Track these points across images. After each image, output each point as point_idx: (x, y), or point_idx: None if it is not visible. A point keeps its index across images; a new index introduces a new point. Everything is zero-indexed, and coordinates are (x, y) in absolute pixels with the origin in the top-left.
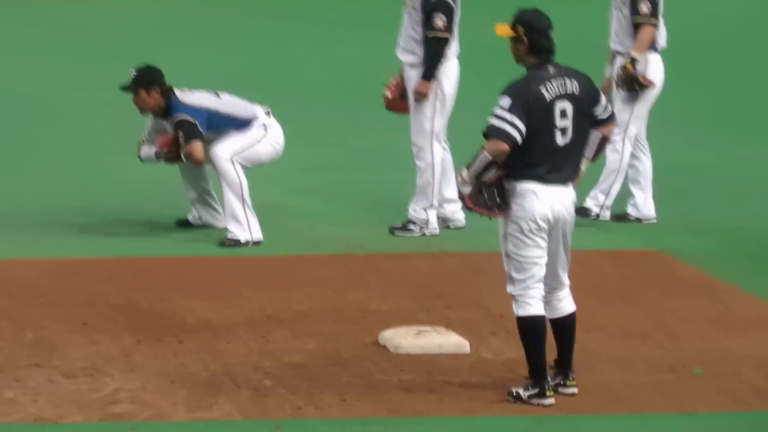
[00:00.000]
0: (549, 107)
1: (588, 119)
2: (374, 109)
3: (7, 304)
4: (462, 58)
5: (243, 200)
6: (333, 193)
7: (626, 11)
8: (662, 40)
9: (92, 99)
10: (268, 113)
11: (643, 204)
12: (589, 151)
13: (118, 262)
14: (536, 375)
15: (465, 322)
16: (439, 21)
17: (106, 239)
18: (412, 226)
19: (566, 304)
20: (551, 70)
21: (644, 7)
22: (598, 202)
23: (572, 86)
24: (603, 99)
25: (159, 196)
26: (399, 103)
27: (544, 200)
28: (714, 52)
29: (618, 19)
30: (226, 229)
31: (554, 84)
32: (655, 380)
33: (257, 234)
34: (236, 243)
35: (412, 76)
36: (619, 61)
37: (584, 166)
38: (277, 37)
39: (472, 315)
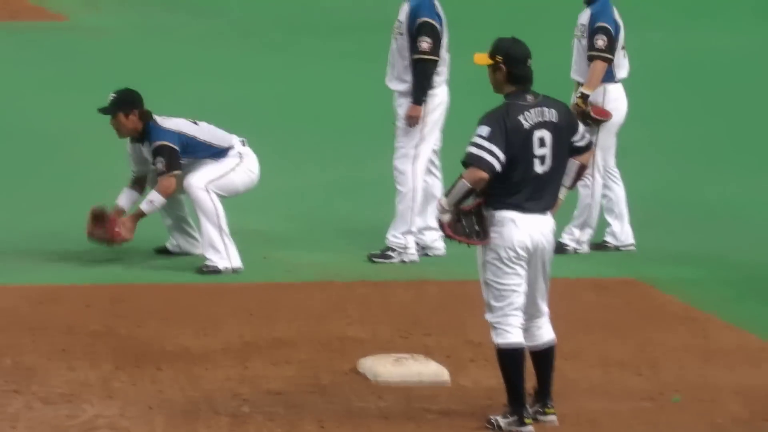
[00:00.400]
0: (527, 135)
1: (566, 147)
2: (356, 139)
3: None
4: (465, 84)
5: (220, 228)
6: (312, 221)
7: (584, 42)
8: (623, 71)
9: (86, 128)
10: (243, 142)
11: (620, 232)
12: (567, 179)
13: (97, 289)
14: (515, 403)
15: (444, 349)
16: (425, 43)
17: (85, 266)
18: (390, 253)
19: (545, 333)
20: (529, 98)
21: (600, 42)
22: (573, 236)
23: (550, 115)
24: (580, 127)
25: (139, 224)
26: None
27: (523, 228)
28: (693, 82)
29: (578, 50)
30: (204, 257)
31: (532, 112)
32: (634, 408)
33: (236, 262)
34: (215, 270)
35: (403, 104)
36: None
37: (562, 194)
38: (257, 70)
39: (451, 342)
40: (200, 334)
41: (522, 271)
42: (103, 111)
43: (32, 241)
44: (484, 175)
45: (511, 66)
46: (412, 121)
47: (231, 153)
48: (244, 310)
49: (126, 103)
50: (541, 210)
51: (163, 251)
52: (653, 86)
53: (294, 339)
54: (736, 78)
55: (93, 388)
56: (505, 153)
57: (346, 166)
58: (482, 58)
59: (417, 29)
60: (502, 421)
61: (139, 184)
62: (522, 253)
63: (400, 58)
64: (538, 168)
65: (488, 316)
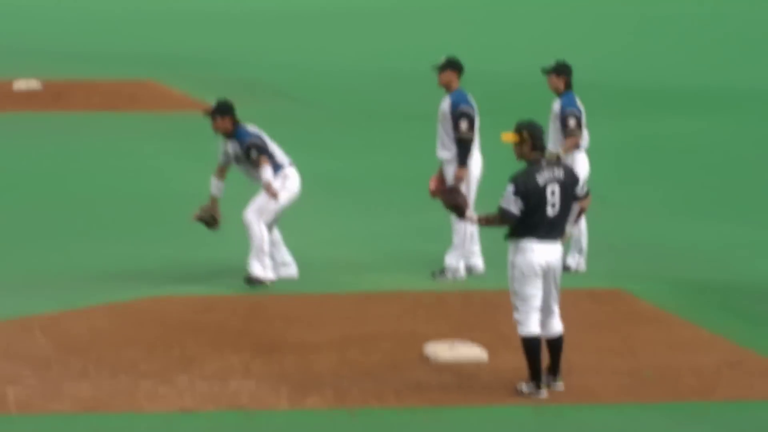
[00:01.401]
0: (542, 190)
1: (570, 196)
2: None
3: (161, 332)
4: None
5: (262, 250)
6: (390, 253)
7: (558, 124)
8: (585, 141)
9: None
10: (291, 163)
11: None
12: (571, 218)
13: (239, 299)
14: (535, 376)
15: (484, 339)
16: (464, 125)
17: (229, 283)
18: (448, 273)
19: (556, 326)
20: (543, 163)
21: (572, 123)
22: (575, 259)
23: (559, 174)
24: (580, 181)
25: None
26: (440, 191)
27: (539, 253)
28: (657, 156)
29: (553, 130)
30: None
31: (546, 173)
32: (619, 381)
33: (271, 274)
34: (258, 281)
35: (450, 169)
36: None
37: (568, 229)
38: (343, 146)
39: (490, 335)
40: (312, 331)
41: (539, 283)
42: (206, 113)
43: (191, 268)
44: (510, 221)
45: (534, 139)
46: (459, 180)
47: (281, 172)
48: (344, 314)
49: (222, 108)
50: (553, 240)
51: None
52: (629, 156)
53: (379, 334)
54: (691, 154)
55: (237, 369)
56: (524, 203)
57: (408, 213)
58: (509, 137)
59: (458, 115)
60: (525, 389)
61: (222, 173)
62: (539, 270)
63: (445, 135)
64: (550, 212)
65: (515, 315)
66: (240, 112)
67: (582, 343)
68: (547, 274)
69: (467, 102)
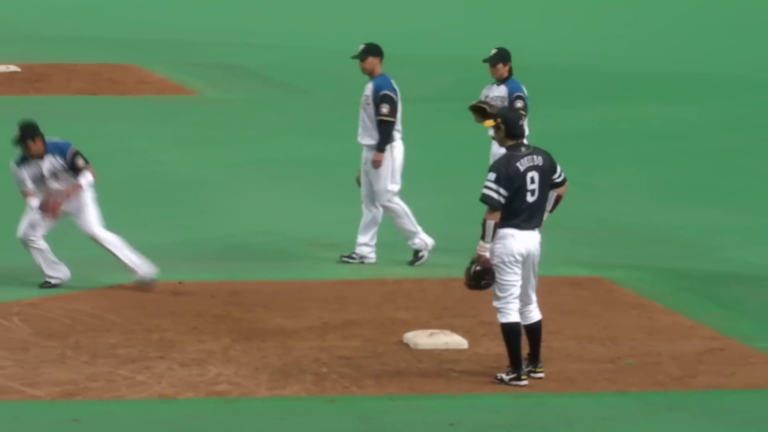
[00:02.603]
0: (523, 176)
1: (549, 183)
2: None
3: (140, 317)
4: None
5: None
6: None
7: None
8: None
9: (209, 174)
10: None
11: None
12: (549, 205)
13: (218, 284)
14: (514, 364)
15: (464, 326)
16: (385, 108)
17: (208, 267)
18: (422, 254)
19: (535, 314)
20: (523, 149)
21: (520, 104)
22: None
23: (538, 160)
24: (558, 168)
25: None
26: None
27: (519, 241)
28: (638, 142)
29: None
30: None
31: (526, 160)
32: (600, 368)
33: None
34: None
35: (370, 155)
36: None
37: (545, 216)
38: (332, 131)
39: (470, 322)
40: (292, 317)
41: (519, 271)
42: (17, 143)
43: (171, 252)
44: (498, 214)
45: (509, 126)
46: (377, 164)
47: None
48: (323, 299)
49: (32, 132)
50: (532, 228)
51: None
52: (612, 141)
53: (358, 320)
54: (676, 140)
55: (216, 355)
56: (506, 190)
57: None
58: (489, 122)
59: (380, 99)
60: (505, 377)
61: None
62: (519, 258)
63: (369, 120)
64: (530, 198)
65: (495, 303)
66: (223, 97)
67: (562, 331)
68: (526, 261)
69: (390, 87)
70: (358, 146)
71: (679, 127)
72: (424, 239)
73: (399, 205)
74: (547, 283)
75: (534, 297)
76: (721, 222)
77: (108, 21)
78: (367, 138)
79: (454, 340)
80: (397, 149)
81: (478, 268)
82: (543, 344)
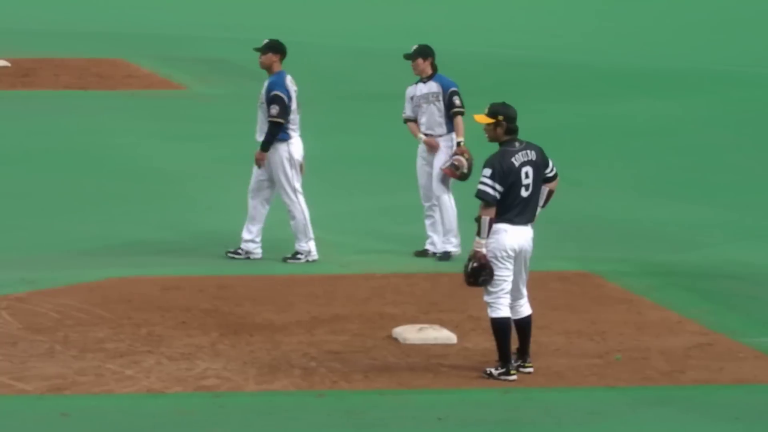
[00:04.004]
0: (517, 172)
1: (541, 178)
2: (389, 175)
3: (128, 311)
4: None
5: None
6: (358, 234)
7: (439, 104)
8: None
9: (197, 168)
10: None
11: (438, 242)
12: (541, 201)
13: (207, 279)
14: (503, 359)
15: (453, 321)
16: (274, 110)
17: (197, 262)
18: (300, 256)
19: (525, 309)
20: (517, 145)
21: (458, 101)
22: (453, 243)
23: (531, 155)
24: (550, 163)
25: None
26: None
27: (512, 236)
28: (628, 138)
29: (431, 110)
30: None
31: (520, 155)
32: (588, 363)
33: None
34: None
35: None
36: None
37: (538, 211)
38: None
39: (458, 317)
40: (280, 311)
41: (510, 266)
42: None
43: (158, 246)
44: (494, 210)
45: (510, 122)
46: (258, 162)
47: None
48: (312, 294)
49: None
50: (525, 222)
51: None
52: (599, 137)
53: (347, 315)
54: (663, 135)
55: (204, 350)
56: (502, 186)
57: (381, 195)
58: (483, 118)
59: (270, 99)
60: (494, 372)
61: None
62: (511, 253)
63: (265, 120)
64: (524, 193)
65: (485, 298)
66: (209, 92)
67: (551, 326)
68: (518, 256)
69: (282, 86)
70: (345, 141)
71: (664, 122)
72: (311, 247)
73: (301, 204)
74: (536, 278)
75: (525, 292)
76: (707, 217)
77: (96, 16)
78: (263, 136)
79: (443, 335)
80: (294, 146)
81: (475, 264)
82: (532, 339)
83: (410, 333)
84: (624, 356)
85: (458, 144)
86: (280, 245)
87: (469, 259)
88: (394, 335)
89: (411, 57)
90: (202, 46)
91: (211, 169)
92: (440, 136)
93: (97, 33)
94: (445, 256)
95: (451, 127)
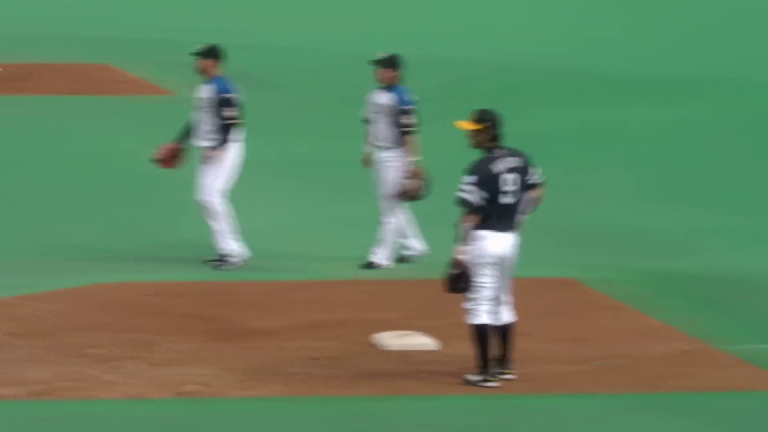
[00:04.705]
0: (500, 178)
1: (524, 185)
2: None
3: (111, 317)
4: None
5: None
6: (347, 238)
7: (390, 118)
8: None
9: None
10: None
11: (413, 246)
12: (525, 207)
13: (189, 285)
14: (484, 366)
15: (434, 327)
16: (227, 112)
17: (180, 268)
18: (228, 259)
19: (507, 316)
20: (500, 151)
21: (412, 120)
22: (384, 255)
23: (515, 162)
24: (535, 170)
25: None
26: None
27: (493, 243)
28: (630, 143)
29: (385, 123)
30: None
31: (503, 161)
32: (570, 370)
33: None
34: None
35: (214, 155)
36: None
37: (521, 218)
38: (304, 130)
39: (440, 323)
40: (262, 317)
41: (491, 273)
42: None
43: (143, 252)
44: (475, 215)
45: (494, 129)
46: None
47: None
48: (294, 300)
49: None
50: (507, 229)
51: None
52: (599, 143)
53: (329, 321)
54: (663, 141)
55: (186, 356)
56: (483, 193)
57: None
58: (470, 125)
59: (219, 102)
60: (472, 379)
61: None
62: (492, 259)
63: (208, 123)
64: (506, 200)
65: (465, 304)
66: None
67: (535, 332)
68: (500, 263)
69: (227, 89)
70: (342, 146)
71: (664, 128)
72: (234, 246)
73: (222, 206)
74: (520, 285)
75: (507, 298)
76: (708, 223)
77: (84, 20)
78: (204, 141)
79: (424, 342)
80: (233, 150)
81: (454, 271)
82: (514, 345)
83: (391, 339)
84: (607, 363)
85: (411, 163)
86: (267, 252)
87: (449, 266)
88: (375, 342)
89: (377, 64)
90: (191, 51)
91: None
92: (388, 149)
93: (85, 38)
94: (369, 265)
95: (402, 142)
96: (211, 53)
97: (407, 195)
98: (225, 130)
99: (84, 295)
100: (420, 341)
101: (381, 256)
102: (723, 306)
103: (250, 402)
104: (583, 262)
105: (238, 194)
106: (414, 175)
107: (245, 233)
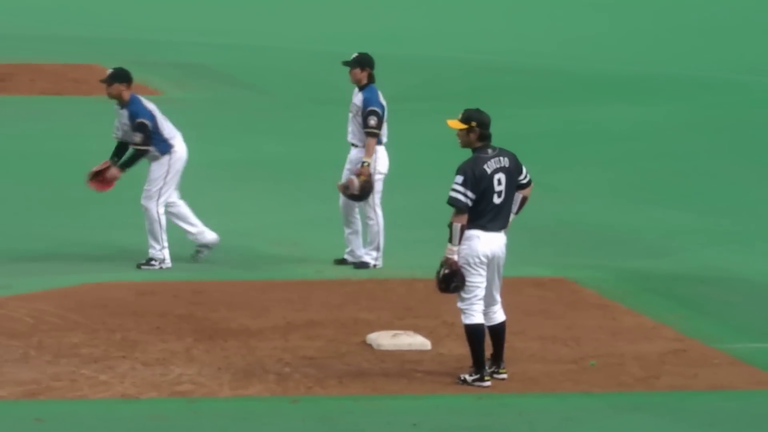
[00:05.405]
0: (490, 178)
1: (515, 184)
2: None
3: (103, 317)
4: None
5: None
6: (328, 237)
7: (359, 118)
8: (385, 137)
9: None
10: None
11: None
12: (515, 207)
13: (182, 284)
14: (477, 365)
15: (428, 327)
16: (138, 137)
17: (173, 267)
18: (153, 262)
19: (499, 316)
20: (490, 151)
21: (372, 122)
22: (372, 256)
23: (504, 162)
24: (524, 170)
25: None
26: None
27: (485, 242)
28: (608, 142)
29: (354, 122)
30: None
31: (493, 161)
32: (563, 369)
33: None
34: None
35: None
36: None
37: (511, 218)
38: (291, 130)
39: (433, 323)
40: (255, 317)
41: (483, 273)
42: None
43: (133, 252)
44: (465, 216)
45: (483, 128)
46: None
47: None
48: (286, 299)
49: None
50: (498, 229)
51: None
52: (575, 142)
53: (321, 320)
54: (639, 141)
55: (179, 355)
56: (474, 192)
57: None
58: (457, 124)
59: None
60: (468, 378)
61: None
62: (484, 259)
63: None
64: (497, 200)
65: (459, 304)
66: (185, 97)
67: (525, 332)
68: (491, 263)
69: (143, 113)
70: (320, 146)
71: (641, 128)
72: (165, 255)
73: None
74: (510, 284)
75: (499, 298)
76: (683, 223)
77: (70, 20)
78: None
79: (417, 341)
80: (179, 157)
81: (446, 271)
82: (506, 345)
83: (385, 339)
84: (599, 362)
85: (362, 164)
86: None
87: (441, 266)
88: (369, 341)
89: (349, 65)
90: (178, 51)
91: (186, 174)
92: (360, 148)
93: (72, 38)
94: (363, 265)
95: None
96: (119, 77)
97: (347, 192)
98: (136, 154)
99: (75, 295)
100: (414, 340)
101: (372, 255)
102: (701, 305)
103: (245, 401)
104: (556, 261)
105: (212, 195)
106: (360, 174)
107: (223, 234)
